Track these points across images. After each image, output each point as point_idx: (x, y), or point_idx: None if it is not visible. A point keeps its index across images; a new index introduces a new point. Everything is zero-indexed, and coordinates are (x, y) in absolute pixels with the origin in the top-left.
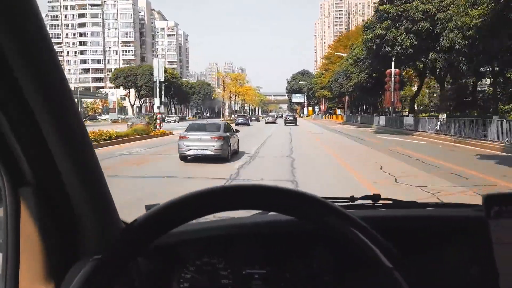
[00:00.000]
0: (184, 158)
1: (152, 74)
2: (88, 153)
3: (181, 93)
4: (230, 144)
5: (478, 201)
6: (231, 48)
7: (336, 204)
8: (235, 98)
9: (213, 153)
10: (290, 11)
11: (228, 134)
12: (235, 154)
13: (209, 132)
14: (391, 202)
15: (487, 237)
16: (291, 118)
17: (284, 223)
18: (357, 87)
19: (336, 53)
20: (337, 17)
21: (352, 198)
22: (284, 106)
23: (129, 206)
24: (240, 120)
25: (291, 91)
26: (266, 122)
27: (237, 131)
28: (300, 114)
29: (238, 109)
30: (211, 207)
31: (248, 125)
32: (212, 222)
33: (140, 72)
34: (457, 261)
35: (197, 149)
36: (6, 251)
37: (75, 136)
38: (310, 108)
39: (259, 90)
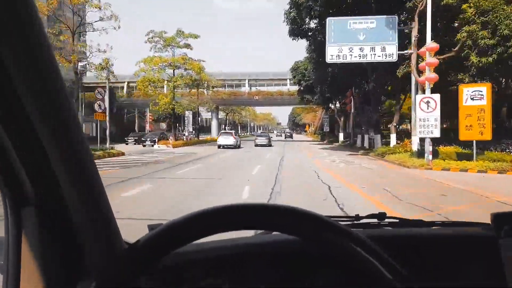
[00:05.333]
0: (256, 145)
1: None
2: (90, 170)
3: None
4: (270, 141)
5: None
6: (233, 59)
7: (340, 222)
8: None
9: (266, 143)
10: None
11: (270, 137)
12: (271, 145)
13: (264, 136)
14: (397, 220)
15: (498, 257)
16: (288, 135)
17: (288, 242)
18: None
19: None
20: None
21: (357, 217)
22: (284, 121)
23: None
24: None
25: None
26: (276, 135)
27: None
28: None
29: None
30: (214, 227)
31: None
32: (215, 242)
33: None
34: (466, 280)
35: (261, 142)
36: (6, 273)
37: (77, 153)
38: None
39: (204, 65)
